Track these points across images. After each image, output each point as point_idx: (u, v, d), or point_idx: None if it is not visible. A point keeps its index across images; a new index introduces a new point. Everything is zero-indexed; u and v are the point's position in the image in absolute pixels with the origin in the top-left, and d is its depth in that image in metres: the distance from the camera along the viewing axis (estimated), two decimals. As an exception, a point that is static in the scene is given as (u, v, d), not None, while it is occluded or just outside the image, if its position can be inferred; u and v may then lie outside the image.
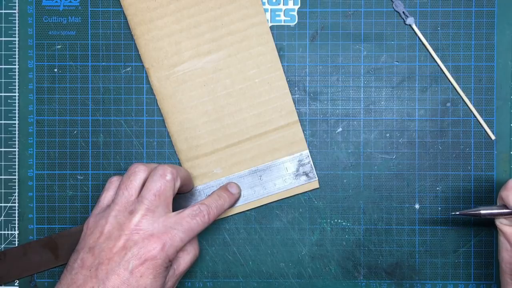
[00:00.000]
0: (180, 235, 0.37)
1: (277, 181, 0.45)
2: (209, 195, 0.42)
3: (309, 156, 0.46)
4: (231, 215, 0.46)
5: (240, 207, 0.46)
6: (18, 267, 0.46)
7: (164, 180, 0.38)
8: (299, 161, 0.45)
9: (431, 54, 0.46)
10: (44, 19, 0.47)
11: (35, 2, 0.47)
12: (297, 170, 0.45)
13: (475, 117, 0.46)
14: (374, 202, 0.46)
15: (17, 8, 0.47)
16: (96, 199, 0.46)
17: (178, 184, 0.39)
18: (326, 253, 0.46)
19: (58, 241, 0.45)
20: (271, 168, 0.46)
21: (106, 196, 0.40)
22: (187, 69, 0.46)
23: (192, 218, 0.38)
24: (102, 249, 0.36)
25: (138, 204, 0.37)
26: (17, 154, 0.47)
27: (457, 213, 0.42)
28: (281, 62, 0.46)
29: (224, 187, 0.44)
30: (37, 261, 0.46)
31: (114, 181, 0.41)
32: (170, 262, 0.37)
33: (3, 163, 0.47)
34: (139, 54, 0.46)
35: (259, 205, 0.46)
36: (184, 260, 0.39)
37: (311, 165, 0.46)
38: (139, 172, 0.39)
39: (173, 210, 0.39)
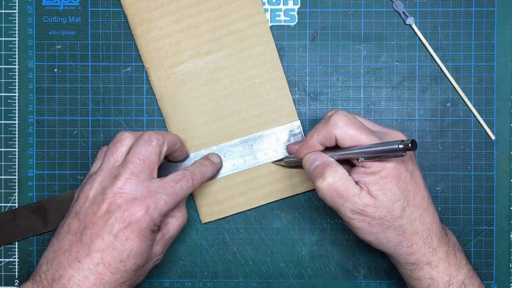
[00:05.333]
0: (164, 198, 0.37)
1: (268, 150, 0.46)
2: (191, 164, 0.42)
3: (300, 127, 0.46)
4: (231, 215, 0.46)
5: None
6: (6, 232, 0.46)
7: (149, 146, 0.38)
8: (290, 131, 0.46)
9: (431, 54, 0.46)
10: (44, 19, 0.47)
11: (35, 2, 0.47)
12: (288, 140, 0.46)
13: (475, 117, 0.46)
14: (374, 202, 0.46)
15: (17, 8, 0.47)
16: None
17: (164, 149, 0.39)
18: (326, 253, 0.46)
19: (47, 207, 0.46)
20: (262, 137, 0.46)
21: (96, 165, 0.40)
22: (187, 69, 0.46)
23: (176, 183, 0.38)
24: (87, 213, 0.36)
25: (123, 168, 0.37)
26: (17, 154, 0.47)
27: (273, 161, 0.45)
28: (281, 62, 0.46)
29: (206, 157, 0.44)
30: (25, 227, 0.46)
31: (104, 150, 0.41)
32: (156, 226, 0.37)
33: (3, 163, 0.47)
34: (139, 54, 0.46)
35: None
36: (173, 226, 0.40)
37: (302, 135, 0.46)
38: (125, 139, 0.39)
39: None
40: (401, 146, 0.33)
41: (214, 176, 0.45)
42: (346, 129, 0.36)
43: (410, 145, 0.33)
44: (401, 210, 0.36)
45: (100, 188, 0.37)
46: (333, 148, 0.38)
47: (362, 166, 0.36)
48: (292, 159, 0.43)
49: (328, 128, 0.37)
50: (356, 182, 0.36)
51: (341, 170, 0.36)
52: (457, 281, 0.37)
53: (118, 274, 0.35)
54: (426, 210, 0.37)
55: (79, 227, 0.36)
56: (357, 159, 0.36)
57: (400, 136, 0.38)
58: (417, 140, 0.46)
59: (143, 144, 0.38)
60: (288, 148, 0.45)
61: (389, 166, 0.35)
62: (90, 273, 0.35)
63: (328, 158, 0.37)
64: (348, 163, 0.38)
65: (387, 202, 0.35)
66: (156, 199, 0.37)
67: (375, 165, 0.36)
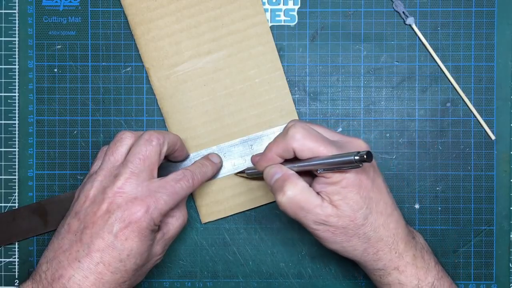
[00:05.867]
0: (165, 198, 0.37)
1: None
2: (192, 164, 0.42)
3: None
4: (231, 215, 0.46)
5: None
6: (6, 232, 0.46)
7: (150, 145, 0.38)
8: None
9: (431, 54, 0.46)
10: (44, 19, 0.47)
11: (35, 2, 0.47)
12: None
13: (475, 117, 0.46)
14: (374, 202, 0.46)
15: (17, 8, 0.47)
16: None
17: (165, 149, 0.39)
18: (326, 253, 0.46)
19: (47, 207, 0.46)
20: (262, 137, 0.46)
21: (97, 164, 0.40)
22: (187, 69, 0.46)
23: (176, 182, 0.38)
24: (87, 213, 0.36)
25: (123, 168, 0.37)
26: (17, 154, 0.47)
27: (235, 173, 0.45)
28: (281, 62, 0.46)
29: (206, 157, 0.44)
30: (25, 227, 0.46)
31: (104, 150, 0.41)
32: (156, 226, 0.37)
33: (3, 163, 0.47)
34: (139, 54, 0.46)
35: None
36: (173, 226, 0.40)
37: None
38: (125, 139, 0.39)
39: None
40: (356, 157, 0.33)
41: (214, 176, 0.45)
42: (304, 142, 0.36)
43: (365, 156, 0.33)
44: (364, 218, 0.36)
45: (101, 187, 0.37)
46: (294, 159, 0.38)
47: (323, 177, 0.36)
48: (254, 171, 0.43)
49: (286, 141, 0.36)
50: (318, 193, 0.36)
51: (300, 183, 0.36)
52: (426, 284, 0.37)
53: (118, 274, 0.35)
54: (390, 216, 0.37)
55: (79, 226, 0.36)
56: (317, 171, 0.36)
57: (361, 145, 0.37)
58: (417, 140, 0.46)
59: (143, 143, 0.38)
60: (252, 159, 0.44)
61: (349, 176, 0.35)
62: (90, 272, 0.35)
63: (288, 170, 0.37)
64: (311, 174, 0.38)
65: (349, 212, 0.35)
66: (156, 198, 0.37)
67: (335, 176, 0.35)
